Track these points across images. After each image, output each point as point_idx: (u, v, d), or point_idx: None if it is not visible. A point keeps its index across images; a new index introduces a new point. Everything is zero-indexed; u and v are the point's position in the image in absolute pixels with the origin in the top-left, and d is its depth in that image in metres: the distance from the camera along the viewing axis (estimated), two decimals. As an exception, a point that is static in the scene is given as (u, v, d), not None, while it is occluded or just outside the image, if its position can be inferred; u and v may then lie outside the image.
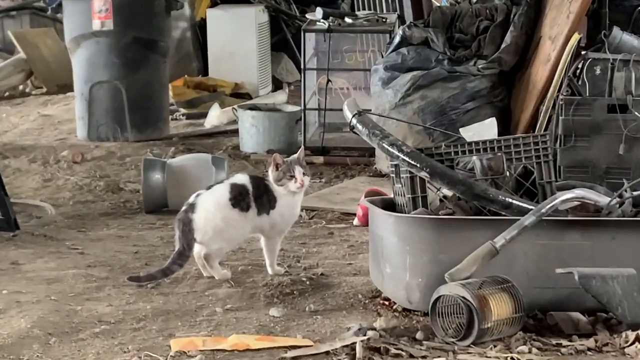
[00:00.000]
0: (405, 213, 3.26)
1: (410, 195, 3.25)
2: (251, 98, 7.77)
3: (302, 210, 4.62)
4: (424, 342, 2.95)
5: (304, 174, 3.54)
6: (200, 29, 8.51)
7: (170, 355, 2.83)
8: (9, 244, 4.15)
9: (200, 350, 2.86)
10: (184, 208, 3.57)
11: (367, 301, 3.35)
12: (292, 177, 3.53)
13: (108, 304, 3.31)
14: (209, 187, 3.61)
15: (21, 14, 9.83)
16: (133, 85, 6.43)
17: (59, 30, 9.34)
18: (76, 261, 3.90)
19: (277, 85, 8.54)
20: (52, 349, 2.91)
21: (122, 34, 6.37)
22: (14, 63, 8.96)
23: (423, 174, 3.19)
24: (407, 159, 3.20)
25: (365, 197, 4.10)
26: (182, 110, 7.51)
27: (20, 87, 8.96)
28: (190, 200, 3.58)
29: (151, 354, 2.83)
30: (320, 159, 5.93)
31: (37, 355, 2.85)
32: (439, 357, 2.84)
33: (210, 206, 3.52)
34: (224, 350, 2.88)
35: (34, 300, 3.33)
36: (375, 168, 5.69)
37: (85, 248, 4.12)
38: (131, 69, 6.42)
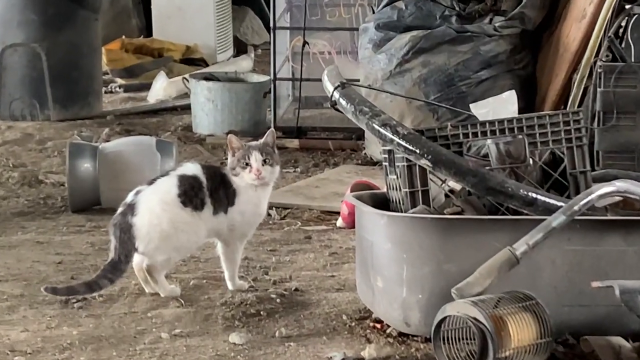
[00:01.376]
0: (402, 212, 3.26)
1: (407, 190, 3.25)
2: (207, 65, 7.79)
3: (270, 208, 4.66)
4: (425, 376, 2.97)
5: (265, 161, 3.54)
6: (140, -23, 8.52)
7: (103, 394, 2.84)
8: None
9: (142, 387, 2.87)
10: (120, 210, 3.57)
11: (353, 324, 3.35)
12: (248, 165, 3.53)
13: (23, 329, 3.29)
14: (151, 182, 3.61)
15: None
16: (56, 49, 6.44)
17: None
18: (-18, 274, 3.89)
19: (240, 48, 8.55)
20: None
21: (39, -16, 6.39)
22: None
23: (424, 162, 3.19)
24: (403, 143, 3.20)
25: (352, 191, 4.12)
26: (119, 81, 7.52)
27: None
28: (129, 199, 3.57)
29: (78, 393, 2.84)
30: (294, 143, 5.94)
31: None
32: (444, 394, 2.86)
33: (154, 206, 3.52)
34: (172, 387, 2.89)
35: None
36: (365, 154, 5.71)
37: (-7, 257, 4.11)
38: (53, 28, 6.43)
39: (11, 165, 5.53)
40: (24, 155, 5.74)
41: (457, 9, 5.35)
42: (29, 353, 3.11)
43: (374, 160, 5.55)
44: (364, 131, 5.56)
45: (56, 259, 4.10)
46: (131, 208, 3.53)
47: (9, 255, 4.12)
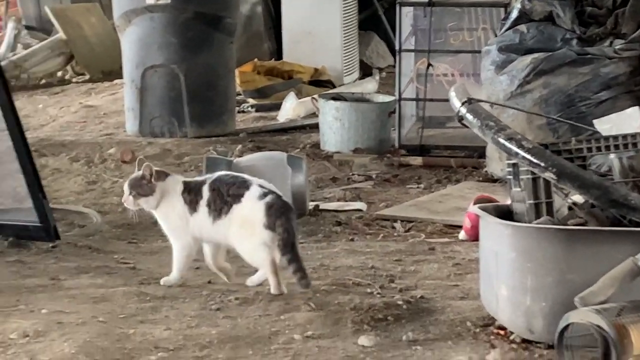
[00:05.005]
0: (526, 222, 3.24)
1: (532, 201, 3.24)
2: (334, 86, 7.83)
3: (395, 221, 4.67)
4: (549, 381, 2.94)
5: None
6: (273, 3, 8.59)
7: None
8: (49, 256, 4.24)
9: (277, 384, 2.89)
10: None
11: (477, 330, 3.33)
12: None
13: (166, 328, 3.34)
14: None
15: (61, -13, 10.05)
16: (193, 70, 6.53)
17: (104, 6, 9.54)
18: (127, 277, 3.96)
19: (365, 71, 8.58)
20: (100, 379, 2.97)
21: (181, 8, 6.48)
22: (52, 45, 9.17)
23: (548, 175, 3.16)
24: (528, 156, 3.18)
25: (475, 204, 4.10)
26: (251, 101, 7.60)
27: (59, 73, 9.17)
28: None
29: (217, 387, 2.87)
30: (418, 160, 5.94)
31: (83, 387, 2.92)
32: (567, 398, 2.83)
33: None
34: (304, 385, 2.91)
35: (79, 321, 3.39)
36: (486, 171, 5.68)
37: (137, 262, 4.19)
38: (191, 50, 6.52)
39: (151, 178, 5.62)
40: (164, 169, 5.81)
41: (577, 32, 5.31)
42: (171, 350, 3.16)
43: (494, 177, 5.51)
44: (485, 149, 5.55)
45: (194, 264, 4.13)
46: None
47: (151, 261, 4.20)
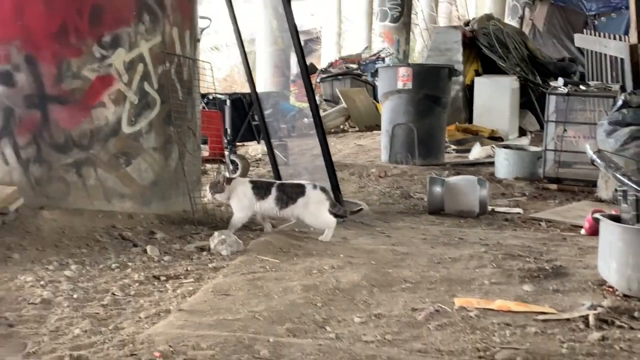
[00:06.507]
0: (630, 225, 3.12)
1: (635, 213, 3.13)
2: (502, 140, 7.69)
3: (541, 221, 4.55)
4: (641, 320, 2.82)
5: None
6: (468, 90, 8.55)
7: (455, 308, 2.89)
8: (340, 226, 4.36)
9: (476, 307, 2.89)
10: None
11: (595, 287, 3.23)
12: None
13: (409, 271, 3.40)
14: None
15: (345, 78, 10.35)
16: (421, 127, 6.58)
17: (368, 90, 9.73)
18: (384, 240, 4.04)
19: (521, 132, 8.39)
20: (375, 295, 3.06)
21: (417, 91, 6.55)
22: (339, 110, 9.44)
23: (647, 198, 3.04)
24: (634, 185, 3.09)
25: (594, 214, 3.96)
26: (453, 147, 7.57)
27: (341, 126, 9.42)
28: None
29: (442, 306, 2.90)
30: (554, 186, 5.75)
31: (366, 298, 3.01)
32: (654, 332, 2.70)
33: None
34: (492, 310, 2.89)
35: (360, 262, 3.50)
36: (597, 195, 5.44)
37: (389, 233, 4.26)
38: (421, 115, 6.57)
39: (395, 187, 5.69)
40: (402, 182, 5.89)
41: (661, 114, 5.04)
42: (413, 283, 3.21)
43: (602, 199, 5.28)
44: (596, 182, 5.33)
45: (422, 236, 4.18)
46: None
47: (397, 233, 4.23)
